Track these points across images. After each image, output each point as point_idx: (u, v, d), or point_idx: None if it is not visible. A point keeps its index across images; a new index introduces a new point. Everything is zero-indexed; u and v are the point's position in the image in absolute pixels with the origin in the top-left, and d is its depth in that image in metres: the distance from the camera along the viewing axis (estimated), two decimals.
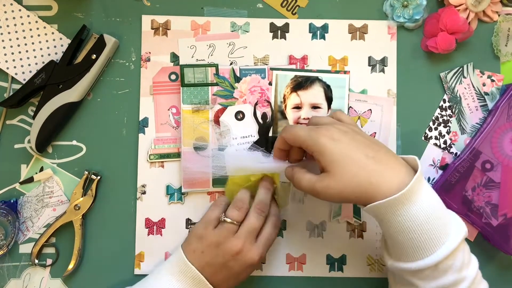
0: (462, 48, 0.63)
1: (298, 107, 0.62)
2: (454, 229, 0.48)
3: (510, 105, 0.61)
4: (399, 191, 0.46)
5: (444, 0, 0.62)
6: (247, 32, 0.63)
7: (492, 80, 0.63)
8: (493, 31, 0.63)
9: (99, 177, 0.62)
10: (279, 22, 0.64)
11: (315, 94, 0.62)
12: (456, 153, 0.63)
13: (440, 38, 0.61)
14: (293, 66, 0.63)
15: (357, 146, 0.49)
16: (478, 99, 0.63)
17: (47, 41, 0.63)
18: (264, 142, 0.62)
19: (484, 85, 0.63)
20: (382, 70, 0.63)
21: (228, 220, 0.54)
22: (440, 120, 0.63)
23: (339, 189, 0.48)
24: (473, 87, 0.63)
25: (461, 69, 0.63)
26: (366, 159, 0.48)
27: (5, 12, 0.62)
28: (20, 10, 0.63)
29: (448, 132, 0.63)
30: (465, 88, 0.63)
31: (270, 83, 0.62)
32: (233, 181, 0.58)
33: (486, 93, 0.63)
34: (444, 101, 0.63)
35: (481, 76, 0.63)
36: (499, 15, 0.63)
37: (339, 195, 0.48)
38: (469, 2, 0.61)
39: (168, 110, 0.63)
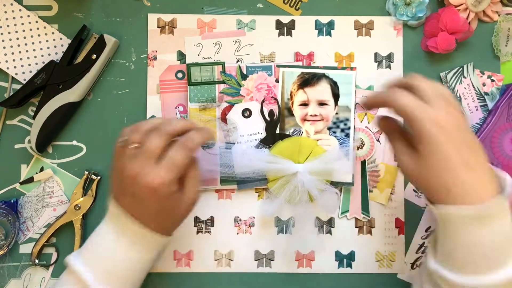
0: (462, 48, 0.63)
1: (305, 104, 0.62)
2: None
3: (510, 105, 0.61)
4: (477, 205, 0.43)
5: (444, 0, 0.62)
6: (253, 29, 0.63)
7: (492, 80, 0.63)
8: (493, 31, 0.63)
9: (99, 177, 0.62)
10: (285, 19, 0.63)
11: (322, 90, 0.62)
12: None
13: (440, 38, 0.61)
14: (300, 63, 0.63)
15: (460, 146, 0.44)
16: (478, 99, 0.63)
17: (47, 41, 0.63)
18: (272, 139, 0.62)
19: (484, 85, 0.63)
20: (389, 66, 0.63)
21: (128, 144, 0.50)
22: None
23: (426, 175, 0.45)
24: (473, 87, 0.63)
25: (461, 69, 0.63)
26: (462, 165, 0.44)
27: (5, 12, 0.62)
28: (20, 10, 0.63)
29: None
30: (465, 88, 0.63)
31: (276, 80, 0.62)
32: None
33: (486, 93, 0.63)
34: None
35: (481, 76, 0.63)
36: (499, 15, 0.63)
37: (420, 180, 0.46)
38: (469, 2, 0.61)
39: (175, 108, 0.63)
